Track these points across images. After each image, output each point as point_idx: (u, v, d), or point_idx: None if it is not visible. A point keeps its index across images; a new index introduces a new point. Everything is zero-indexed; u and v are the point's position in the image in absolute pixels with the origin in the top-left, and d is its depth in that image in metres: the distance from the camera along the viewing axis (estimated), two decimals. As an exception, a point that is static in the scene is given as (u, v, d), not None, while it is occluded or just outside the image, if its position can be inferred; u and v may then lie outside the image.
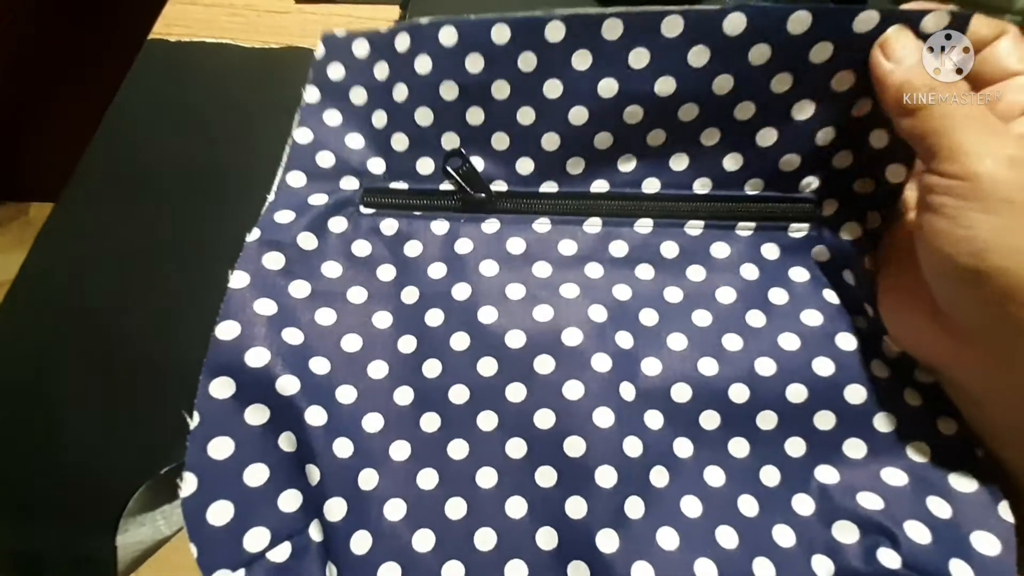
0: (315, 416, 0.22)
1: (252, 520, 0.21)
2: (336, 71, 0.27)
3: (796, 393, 0.22)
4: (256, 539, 0.20)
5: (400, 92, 0.26)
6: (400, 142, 0.27)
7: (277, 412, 0.22)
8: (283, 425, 0.22)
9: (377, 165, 0.27)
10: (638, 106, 0.24)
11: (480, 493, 0.22)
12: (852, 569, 0.19)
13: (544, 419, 0.22)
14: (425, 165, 0.27)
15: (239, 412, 0.22)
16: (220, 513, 0.20)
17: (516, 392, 0.23)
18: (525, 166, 0.26)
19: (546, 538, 0.21)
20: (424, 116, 0.26)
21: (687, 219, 0.25)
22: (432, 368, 0.24)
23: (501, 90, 0.25)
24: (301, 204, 0.26)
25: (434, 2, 0.37)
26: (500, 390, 0.23)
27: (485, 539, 0.21)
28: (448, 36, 0.24)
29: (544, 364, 0.23)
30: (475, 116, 0.26)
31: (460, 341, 0.24)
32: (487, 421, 0.23)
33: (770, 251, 0.25)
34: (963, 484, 0.20)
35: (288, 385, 0.22)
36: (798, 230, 0.25)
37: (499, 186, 0.26)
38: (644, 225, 0.26)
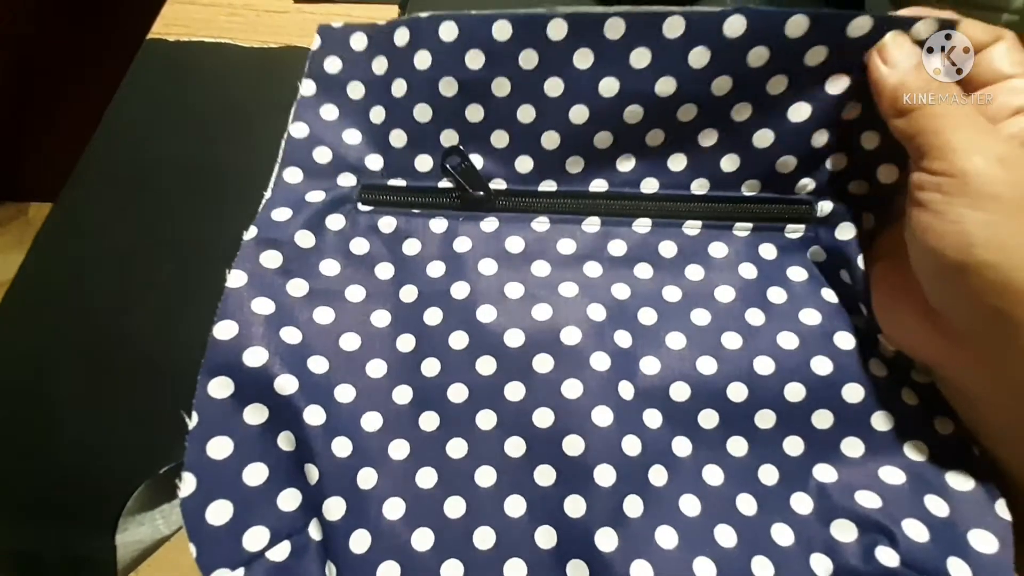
0: (314, 415, 0.22)
1: (251, 519, 0.21)
2: (333, 64, 0.27)
3: (794, 392, 0.22)
4: (255, 538, 0.20)
5: (399, 87, 0.26)
6: (399, 138, 0.26)
7: (276, 411, 0.22)
8: (282, 424, 0.22)
9: (375, 161, 0.27)
10: (638, 106, 0.24)
11: (479, 492, 0.22)
12: (851, 568, 0.19)
13: (543, 418, 0.22)
14: (423, 162, 0.26)
15: (238, 412, 0.22)
16: (219, 512, 0.20)
17: (515, 391, 0.23)
18: (524, 164, 0.26)
19: (545, 537, 0.21)
20: (423, 112, 0.26)
21: (685, 219, 0.25)
22: (431, 367, 0.24)
23: (501, 87, 0.25)
24: (298, 201, 0.26)
25: (433, 2, 0.37)
26: (499, 389, 0.23)
27: (484, 538, 0.21)
28: (448, 31, 0.24)
29: (543, 363, 0.23)
30: (475, 113, 0.25)
31: (459, 340, 0.24)
32: (486, 420, 0.23)
33: (767, 251, 0.25)
34: (960, 483, 0.20)
35: (286, 384, 0.22)
36: (795, 231, 0.25)
37: (498, 184, 0.26)
38: (642, 225, 0.26)
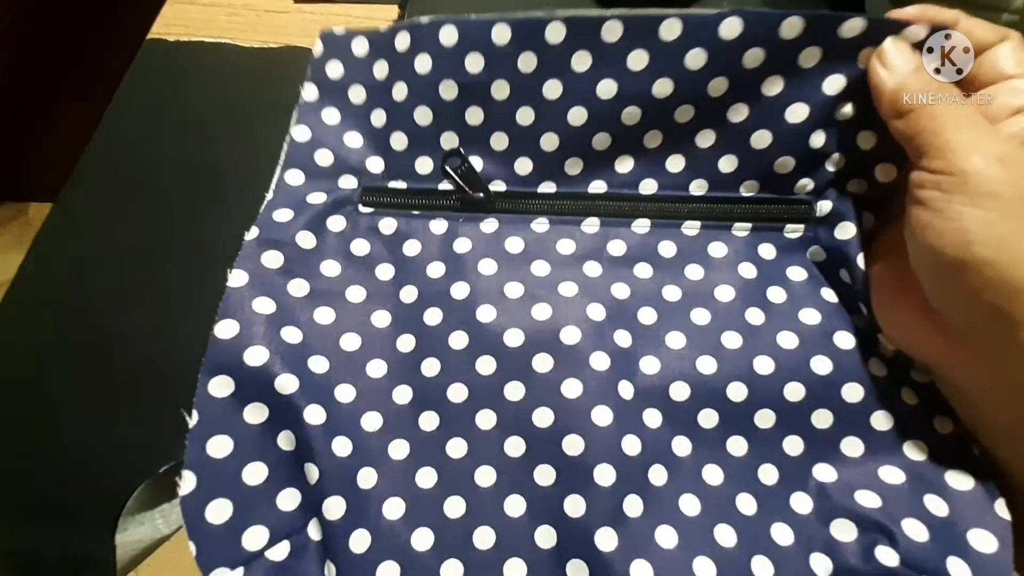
0: (314, 415, 0.22)
1: (251, 519, 0.21)
2: (335, 69, 0.27)
3: (794, 392, 0.22)
4: (255, 538, 0.20)
5: (400, 91, 0.26)
6: (399, 141, 0.27)
7: (276, 411, 0.22)
8: (282, 424, 0.22)
9: (376, 164, 0.27)
10: (636, 107, 0.24)
11: (479, 492, 0.22)
12: (850, 567, 0.19)
13: (543, 418, 0.22)
14: (424, 164, 0.27)
15: (238, 411, 0.22)
16: (219, 511, 0.20)
17: (515, 391, 0.23)
18: (524, 166, 0.26)
19: (545, 537, 0.21)
20: (423, 115, 0.26)
21: (684, 220, 0.25)
22: (431, 367, 0.24)
23: (501, 90, 0.25)
24: (300, 203, 0.26)
25: (433, 1, 0.37)
26: (499, 389, 0.23)
27: (484, 538, 0.21)
28: (448, 36, 0.24)
29: (543, 363, 0.23)
30: (474, 116, 0.26)
31: (459, 340, 0.24)
32: (486, 420, 0.23)
33: (767, 251, 0.25)
34: (960, 482, 0.20)
35: (287, 384, 0.22)
36: (794, 231, 0.25)
37: (497, 186, 0.26)
38: (642, 225, 0.26)
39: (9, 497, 0.26)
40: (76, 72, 0.82)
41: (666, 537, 0.20)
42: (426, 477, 0.22)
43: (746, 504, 0.21)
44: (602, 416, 0.21)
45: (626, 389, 0.22)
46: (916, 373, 0.22)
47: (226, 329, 0.22)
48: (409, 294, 0.25)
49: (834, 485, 0.21)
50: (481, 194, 0.26)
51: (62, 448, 0.27)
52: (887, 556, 0.19)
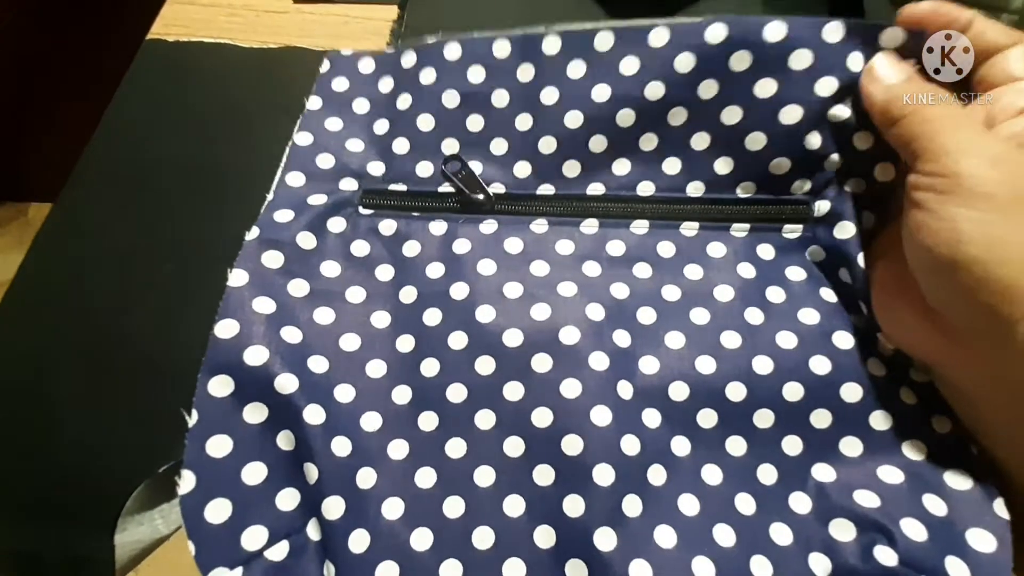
0: (313, 415, 0.22)
1: (250, 518, 0.21)
2: (340, 84, 0.28)
3: (793, 392, 0.22)
4: (254, 537, 0.20)
5: (404, 101, 0.27)
6: (401, 146, 0.27)
7: (275, 410, 0.22)
8: (281, 423, 0.22)
9: (377, 168, 0.28)
10: (630, 109, 0.25)
11: (478, 492, 0.22)
12: (849, 567, 0.19)
13: (542, 418, 0.22)
14: (424, 168, 0.27)
15: (238, 410, 0.22)
16: (218, 511, 0.20)
17: (514, 391, 0.23)
18: (523, 169, 0.27)
19: (544, 536, 0.21)
20: (426, 122, 0.27)
21: (682, 221, 0.26)
22: (430, 367, 0.24)
23: (501, 98, 0.26)
24: (300, 204, 0.26)
25: (434, 1, 0.37)
26: (498, 389, 0.23)
27: (483, 538, 0.21)
28: (452, 51, 0.27)
29: (542, 363, 0.23)
30: (475, 123, 0.27)
31: (458, 340, 0.24)
32: (485, 420, 0.23)
33: (766, 251, 0.25)
34: (958, 482, 0.20)
35: (287, 383, 0.22)
36: (792, 231, 0.25)
37: (497, 188, 0.27)
38: (640, 226, 0.26)
39: (9, 497, 0.26)
40: (76, 72, 0.82)
41: (665, 537, 0.20)
42: (425, 477, 0.22)
43: (745, 504, 0.21)
44: (601, 416, 0.21)
45: (625, 389, 0.22)
46: (915, 373, 0.22)
47: (226, 329, 0.22)
48: (409, 295, 0.25)
49: (833, 485, 0.21)
50: (480, 196, 0.26)
51: (62, 448, 0.27)
52: (886, 556, 0.19)
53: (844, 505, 0.20)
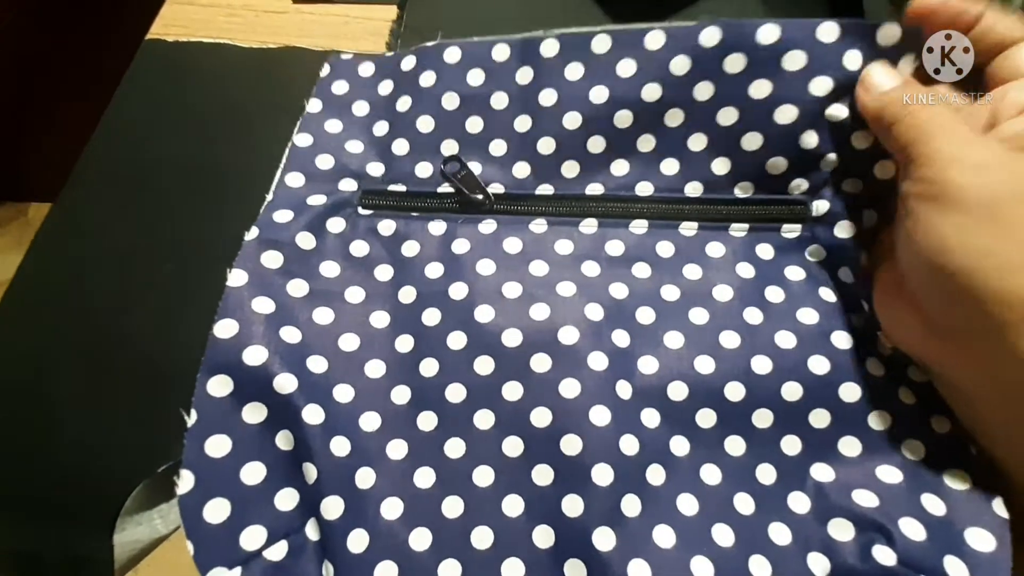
0: (312, 415, 0.22)
1: (249, 518, 0.21)
2: (340, 87, 0.28)
3: (792, 391, 0.22)
4: (252, 537, 0.20)
5: (403, 103, 0.27)
6: (400, 147, 0.27)
7: (274, 410, 0.22)
8: (280, 423, 0.22)
9: (376, 168, 0.28)
10: (627, 110, 0.25)
11: (477, 492, 0.22)
12: (848, 566, 0.19)
13: (541, 418, 0.22)
14: (424, 169, 0.27)
15: (236, 410, 0.22)
16: (217, 511, 0.20)
17: (513, 391, 0.23)
18: (522, 170, 0.27)
19: (543, 536, 0.21)
20: (425, 123, 0.27)
21: (681, 221, 0.26)
22: (429, 367, 0.24)
23: (500, 100, 0.27)
24: (300, 204, 0.26)
25: (433, 1, 0.37)
26: (497, 389, 0.23)
27: (482, 537, 0.21)
28: (452, 55, 0.27)
29: (541, 363, 0.23)
30: (474, 124, 0.27)
31: (457, 340, 0.24)
32: (484, 420, 0.23)
33: (765, 251, 0.25)
34: (957, 481, 0.20)
35: (286, 383, 0.22)
36: (791, 231, 0.25)
37: (496, 189, 0.27)
38: (639, 226, 0.26)
39: (9, 497, 0.26)
40: (76, 72, 0.83)
41: (664, 537, 0.20)
42: (424, 477, 0.22)
43: (744, 504, 0.21)
44: (600, 416, 0.21)
45: (624, 389, 0.22)
46: (914, 372, 0.22)
47: (225, 328, 0.22)
48: (408, 295, 0.25)
49: (832, 485, 0.21)
50: (480, 196, 0.26)
51: (62, 448, 0.27)
52: (885, 555, 0.19)
53: (843, 505, 0.20)
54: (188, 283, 0.30)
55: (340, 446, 0.22)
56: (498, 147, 0.27)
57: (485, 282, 0.25)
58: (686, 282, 0.25)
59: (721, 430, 0.22)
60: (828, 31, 0.22)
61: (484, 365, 0.23)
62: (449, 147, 0.27)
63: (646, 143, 0.26)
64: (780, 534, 0.21)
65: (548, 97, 0.26)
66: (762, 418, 0.22)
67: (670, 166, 0.26)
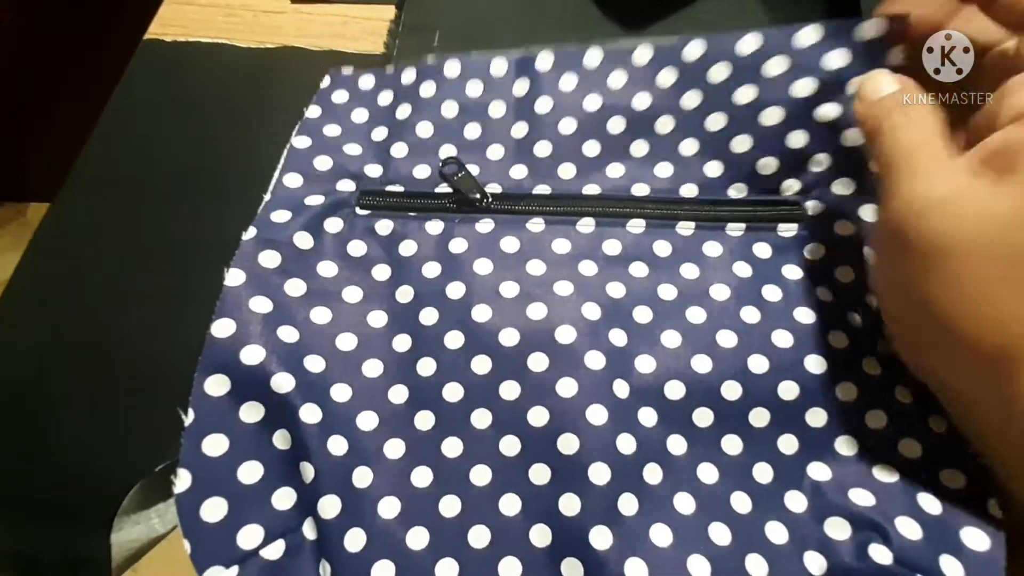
0: (309, 414, 0.22)
1: (246, 517, 0.21)
2: (340, 96, 0.29)
3: (788, 390, 0.22)
4: (250, 536, 0.21)
5: (403, 111, 0.28)
6: (399, 150, 0.28)
7: (272, 410, 0.22)
8: (277, 423, 0.22)
9: (374, 170, 0.28)
10: (620, 117, 0.26)
11: (474, 491, 0.22)
12: (844, 565, 0.20)
13: (538, 417, 0.22)
14: (422, 170, 0.28)
15: (234, 409, 0.22)
16: (214, 510, 0.20)
17: (510, 390, 0.23)
18: (519, 172, 0.27)
19: (540, 535, 0.21)
20: (424, 129, 0.28)
21: (678, 220, 0.26)
22: (426, 367, 0.24)
23: (497, 109, 0.28)
24: (297, 204, 0.26)
25: (432, 2, 0.37)
26: (494, 388, 0.23)
27: (479, 537, 0.21)
28: (452, 69, 0.28)
29: (538, 362, 0.23)
30: (472, 131, 0.28)
31: (454, 339, 0.24)
32: (481, 419, 0.23)
33: (762, 250, 0.25)
34: (953, 481, 0.20)
35: (283, 383, 0.22)
36: (787, 230, 0.25)
37: (493, 189, 0.27)
38: (636, 225, 0.26)
39: (7, 497, 0.26)
40: (76, 72, 0.83)
41: (661, 535, 0.20)
42: (421, 476, 0.22)
43: (741, 503, 0.21)
44: (597, 415, 0.22)
45: (621, 388, 0.22)
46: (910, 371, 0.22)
47: (223, 328, 0.22)
48: (405, 294, 0.25)
49: (828, 484, 0.21)
50: (477, 196, 0.26)
51: (61, 448, 0.27)
52: (881, 554, 0.19)
53: (839, 504, 0.21)
54: (186, 283, 0.30)
55: (337, 445, 0.22)
56: (496, 151, 0.27)
57: (482, 281, 0.25)
58: (683, 281, 0.25)
59: (718, 429, 0.22)
60: (808, 35, 0.23)
61: (481, 364, 0.23)
62: (447, 151, 0.28)
63: (639, 148, 0.26)
64: (777, 533, 0.21)
65: (544, 105, 0.27)
66: (759, 417, 0.22)
67: (664, 169, 0.26)
